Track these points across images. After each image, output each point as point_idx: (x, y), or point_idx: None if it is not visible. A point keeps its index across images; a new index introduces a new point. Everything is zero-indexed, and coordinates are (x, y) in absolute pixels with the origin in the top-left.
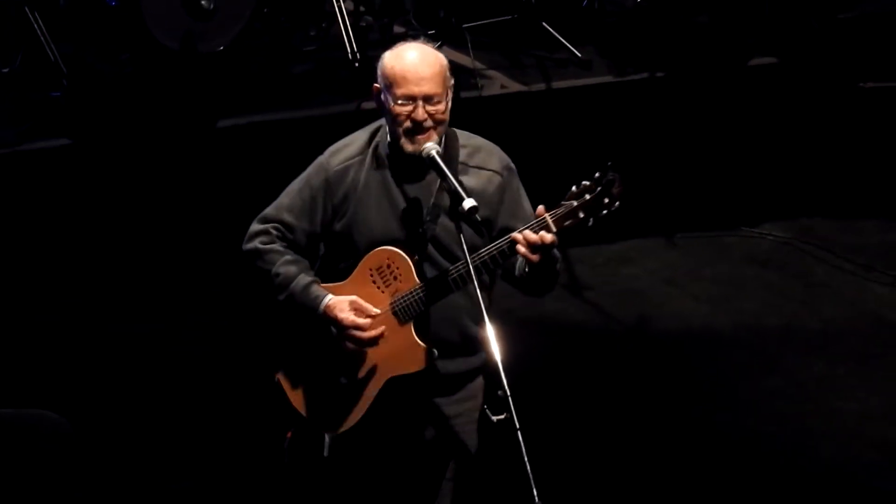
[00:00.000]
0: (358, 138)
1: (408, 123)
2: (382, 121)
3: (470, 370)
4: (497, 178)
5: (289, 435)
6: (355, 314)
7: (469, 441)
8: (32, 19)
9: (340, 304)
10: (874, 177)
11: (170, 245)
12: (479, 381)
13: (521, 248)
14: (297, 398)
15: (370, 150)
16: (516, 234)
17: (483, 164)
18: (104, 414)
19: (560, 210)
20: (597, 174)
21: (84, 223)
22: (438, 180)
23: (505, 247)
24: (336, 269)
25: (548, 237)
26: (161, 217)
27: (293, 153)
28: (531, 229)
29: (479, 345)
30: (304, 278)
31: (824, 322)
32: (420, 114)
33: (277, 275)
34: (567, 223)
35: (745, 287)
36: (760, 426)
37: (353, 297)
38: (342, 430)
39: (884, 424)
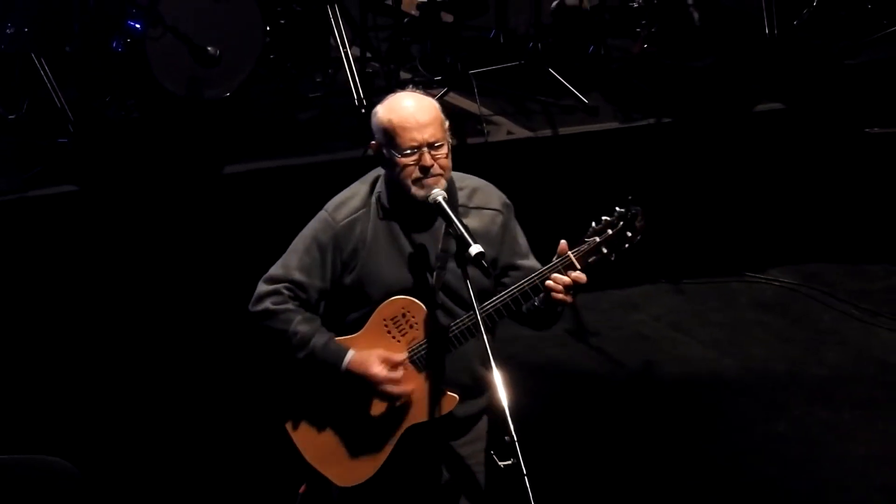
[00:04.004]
0: (358, 191)
1: (416, 173)
2: (379, 170)
3: (477, 412)
4: (500, 217)
5: (302, 490)
6: (387, 367)
7: (479, 480)
8: (39, 65)
9: (369, 358)
10: (880, 222)
11: (176, 291)
12: (484, 421)
13: (559, 296)
14: (311, 452)
15: (373, 201)
16: (549, 283)
17: (484, 203)
18: (112, 460)
19: (584, 247)
20: (617, 208)
21: (91, 269)
22: (443, 225)
23: (529, 287)
24: (343, 322)
25: (582, 278)
26: (168, 263)
27: (300, 199)
28: (559, 271)
29: (484, 386)
30: (323, 336)
31: (830, 367)
32: (427, 160)
33: (296, 333)
34: (591, 260)
35: (751, 333)
36: (766, 471)
37: (379, 351)
38: (360, 482)
39: (889, 469)
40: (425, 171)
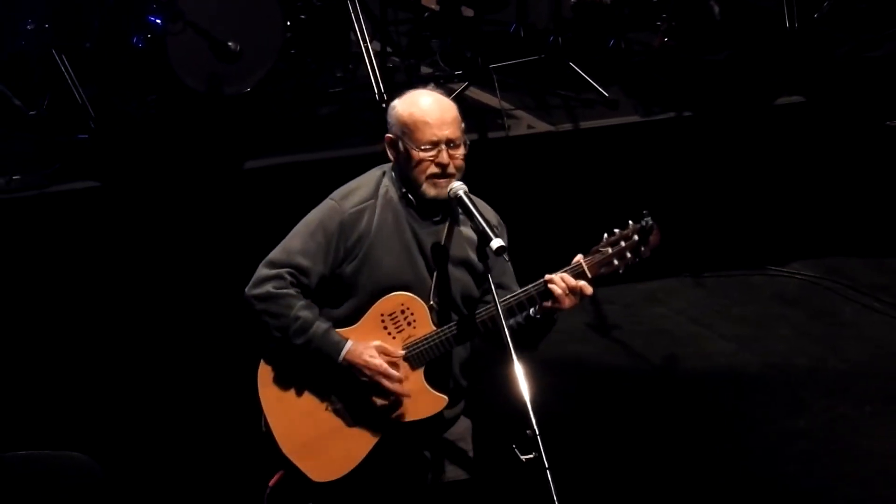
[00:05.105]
0: (366, 182)
1: (432, 168)
2: (387, 164)
3: (455, 415)
4: (496, 231)
5: (272, 482)
6: (384, 359)
7: (468, 456)
8: (59, 62)
9: (368, 349)
10: None
11: (197, 287)
12: (463, 422)
13: (558, 291)
14: (288, 445)
15: (380, 194)
16: (553, 276)
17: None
18: (134, 457)
19: (597, 257)
20: (632, 222)
21: (111, 265)
22: (447, 227)
23: (536, 292)
24: (333, 314)
25: (589, 289)
26: (189, 259)
27: (320, 194)
28: (569, 274)
29: (462, 393)
30: (324, 324)
31: (851, 362)
32: (444, 157)
33: (297, 318)
34: (602, 270)
35: (772, 327)
36: (786, 466)
37: (378, 342)
38: (335, 478)
39: None
40: (442, 168)
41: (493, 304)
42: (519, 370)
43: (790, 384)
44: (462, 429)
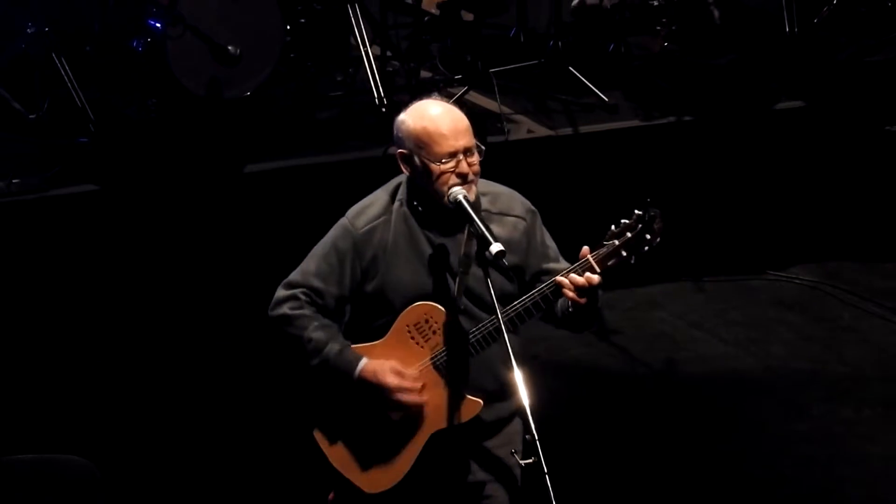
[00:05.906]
0: (379, 198)
1: (453, 179)
2: (401, 178)
3: (507, 415)
4: (522, 224)
5: (331, 497)
6: (398, 378)
7: (515, 477)
8: (60, 65)
9: (381, 368)
10: None
11: (197, 291)
12: (516, 424)
13: (569, 293)
14: (338, 459)
15: (394, 209)
16: (561, 279)
17: (507, 210)
18: (133, 461)
19: (603, 250)
20: (636, 211)
21: (111, 269)
22: (466, 231)
23: (549, 291)
24: (369, 329)
25: (594, 279)
26: (188, 263)
27: (320, 198)
28: (576, 272)
29: (511, 390)
30: (337, 344)
31: (851, 366)
32: (464, 167)
33: (310, 340)
34: (610, 262)
35: (772, 331)
36: (787, 470)
37: (391, 362)
38: (387, 488)
39: None
40: (463, 177)
41: (526, 297)
42: (518, 376)
43: (790, 388)
44: (512, 432)
